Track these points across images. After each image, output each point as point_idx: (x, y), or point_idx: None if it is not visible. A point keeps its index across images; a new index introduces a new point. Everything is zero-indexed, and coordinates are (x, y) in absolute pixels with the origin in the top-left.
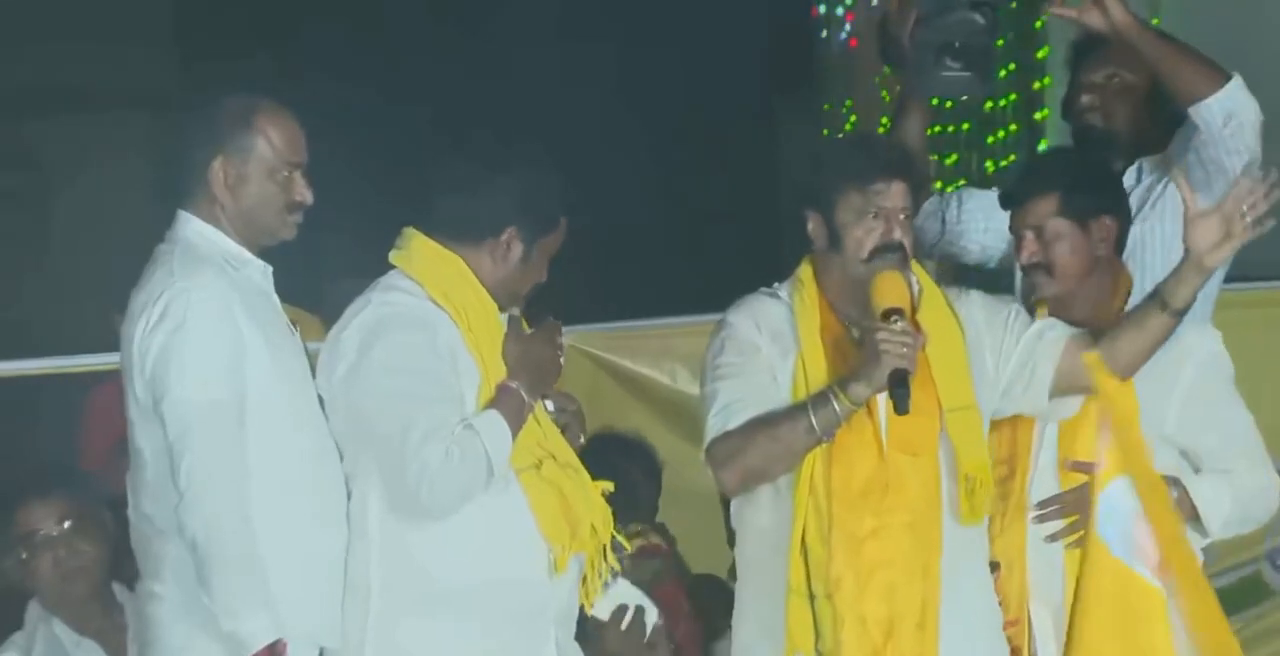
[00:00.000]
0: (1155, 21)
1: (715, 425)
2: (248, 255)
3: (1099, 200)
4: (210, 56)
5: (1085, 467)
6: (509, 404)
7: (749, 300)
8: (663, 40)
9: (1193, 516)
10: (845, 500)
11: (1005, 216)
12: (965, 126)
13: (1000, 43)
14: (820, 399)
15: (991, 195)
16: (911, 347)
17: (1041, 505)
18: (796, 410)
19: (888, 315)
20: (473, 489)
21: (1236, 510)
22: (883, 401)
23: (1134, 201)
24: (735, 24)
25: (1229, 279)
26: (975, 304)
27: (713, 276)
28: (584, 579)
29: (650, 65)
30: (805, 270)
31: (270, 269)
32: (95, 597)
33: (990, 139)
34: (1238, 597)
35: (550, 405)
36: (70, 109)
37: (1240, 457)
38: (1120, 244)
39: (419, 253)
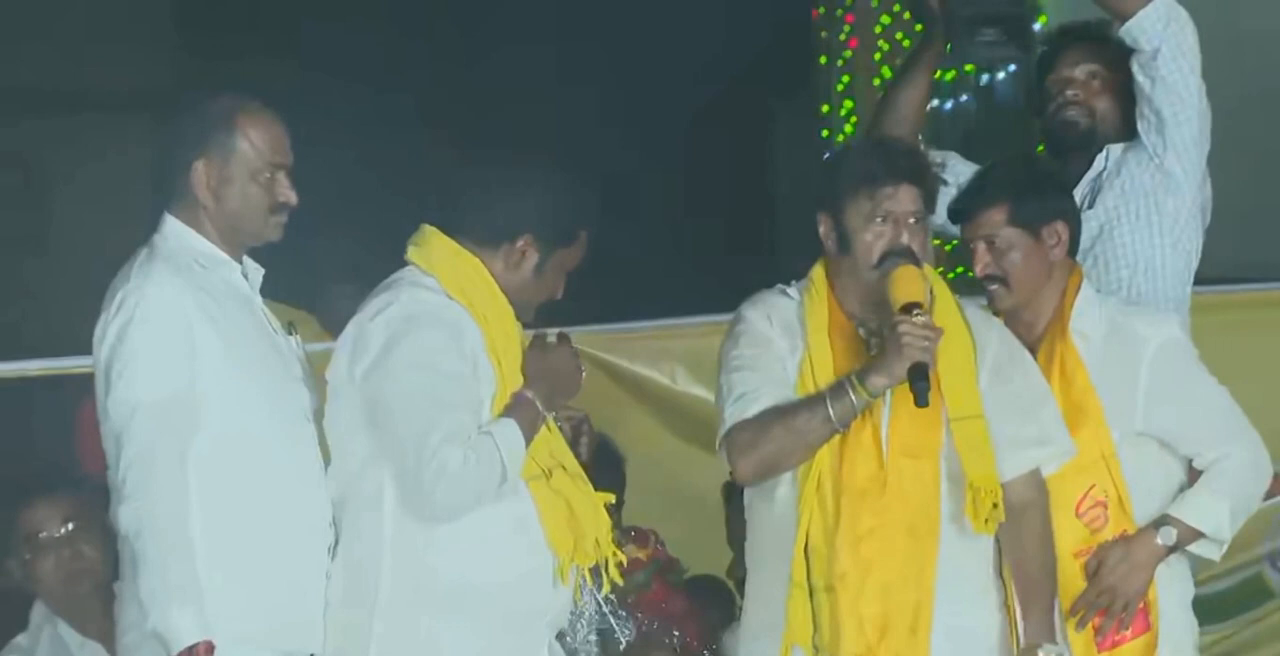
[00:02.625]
0: None
1: (732, 415)
2: (222, 255)
3: (1048, 206)
4: (210, 56)
5: None
6: (525, 414)
7: (762, 295)
8: (661, 41)
9: (1195, 538)
10: (849, 497)
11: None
12: None
13: None
14: (838, 390)
15: (965, 165)
16: (933, 342)
17: (1073, 611)
18: (814, 400)
19: (908, 308)
20: (485, 494)
21: (1240, 503)
22: (887, 401)
23: (1097, 187)
24: (734, 25)
25: (1230, 280)
26: (995, 332)
27: (710, 277)
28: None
29: (648, 66)
30: (818, 271)
31: (261, 271)
32: (99, 599)
33: None
34: (1239, 600)
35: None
36: (68, 109)
37: (1233, 438)
38: (1073, 246)
39: (438, 251)
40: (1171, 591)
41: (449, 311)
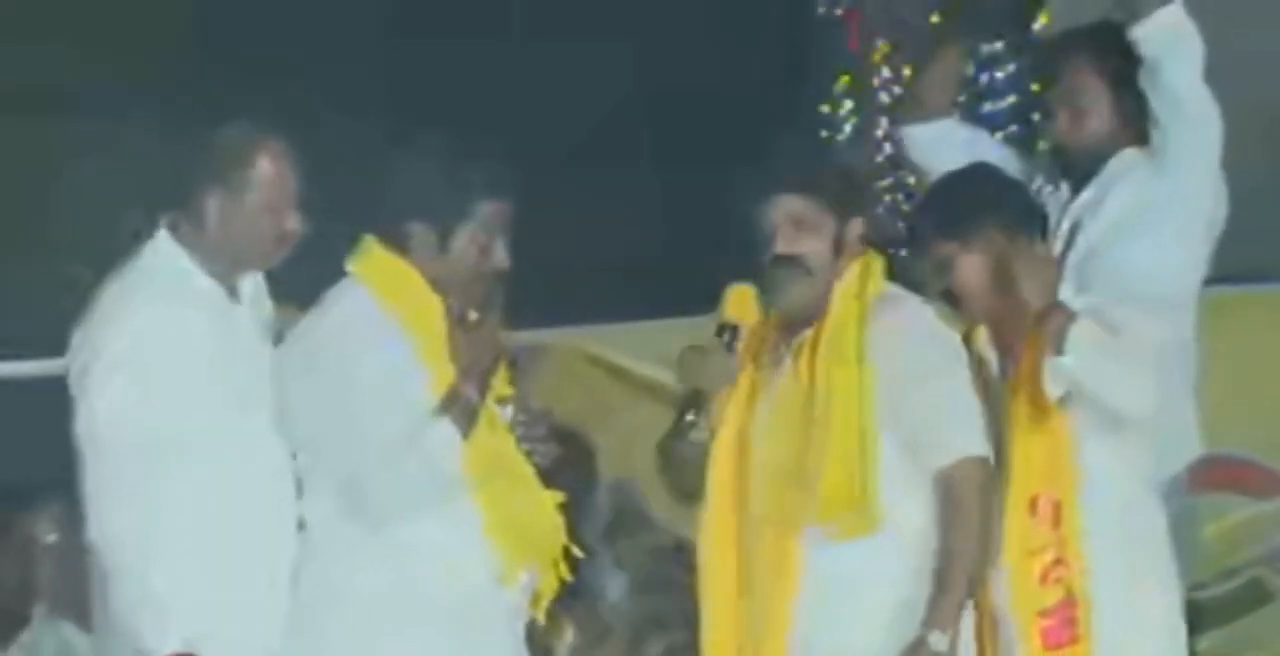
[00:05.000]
0: None
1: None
2: (205, 280)
3: (980, 220)
4: (210, 57)
5: None
6: (460, 410)
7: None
8: (658, 42)
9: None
10: None
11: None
12: None
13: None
14: None
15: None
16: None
17: None
18: None
19: (720, 331)
20: (425, 499)
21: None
22: None
23: (1103, 193)
24: (732, 25)
25: (1230, 280)
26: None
27: (710, 277)
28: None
29: (645, 66)
30: None
31: (259, 283)
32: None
33: None
34: (1239, 602)
35: (509, 412)
36: (64, 109)
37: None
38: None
39: (372, 261)
40: (1149, 600)
41: (375, 320)
